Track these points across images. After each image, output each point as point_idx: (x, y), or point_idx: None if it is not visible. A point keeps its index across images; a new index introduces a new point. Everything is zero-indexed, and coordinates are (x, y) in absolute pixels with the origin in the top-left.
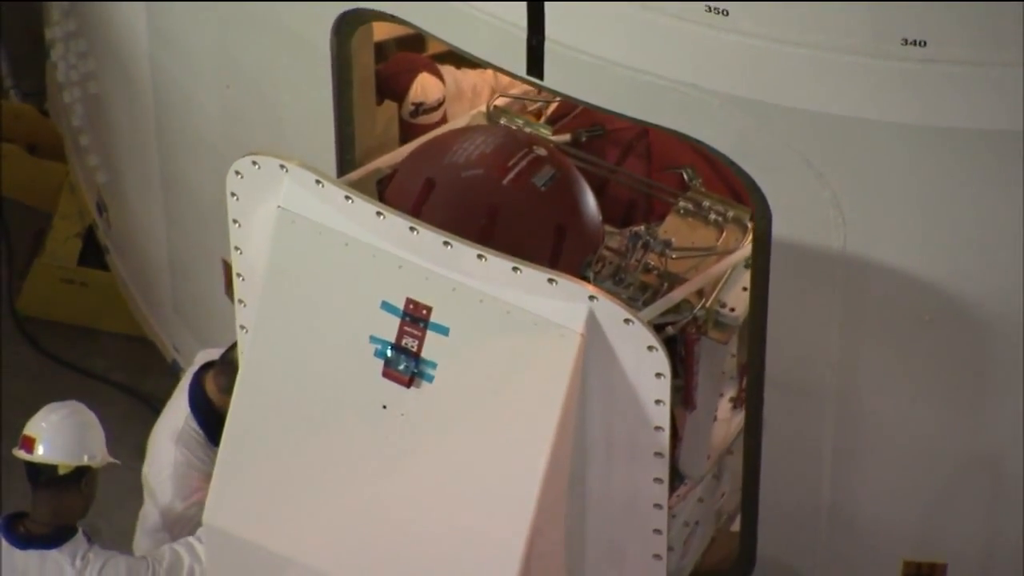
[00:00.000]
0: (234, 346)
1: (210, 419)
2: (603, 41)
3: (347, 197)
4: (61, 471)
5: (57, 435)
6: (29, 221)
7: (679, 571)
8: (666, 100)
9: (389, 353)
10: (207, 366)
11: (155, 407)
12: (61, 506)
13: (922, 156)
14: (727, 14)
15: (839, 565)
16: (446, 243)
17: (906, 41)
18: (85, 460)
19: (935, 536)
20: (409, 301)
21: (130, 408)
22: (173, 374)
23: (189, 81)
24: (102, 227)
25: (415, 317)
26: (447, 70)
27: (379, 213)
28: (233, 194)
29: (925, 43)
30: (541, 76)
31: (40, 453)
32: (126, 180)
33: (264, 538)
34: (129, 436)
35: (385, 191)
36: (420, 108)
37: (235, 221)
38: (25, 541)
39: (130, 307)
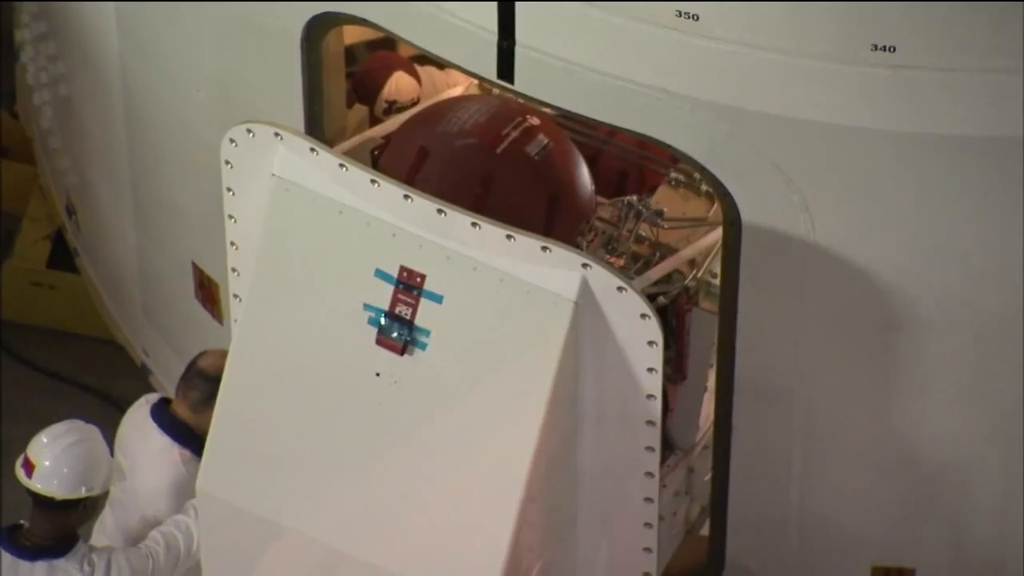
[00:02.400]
0: (199, 356)
1: (193, 439)
2: (573, 45)
3: (341, 165)
4: (59, 499)
5: (56, 469)
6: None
7: (670, 540)
8: (636, 105)
9: (383, 321)
10: (161, 401)
11: (123, 409)
12: (61, 525)
13: (891, 161)
14: (697, 19)
15: (808, 570)
16: (440, 211)
17: (875, 47)
18: (83, 493)
19: (903, 541)
20: (403, 269)
21: (100, 411)
22: (142, 377)
23: (159, 85)
24: (71, 230)
25: (409, 285)
26: (427, 71)
27: (373, 181)
28: (227, 162)
29: (894, 48)
30: (512, 80)
31: (39, 487)
32: (96, 183)
33: (257, 505)
34: None
35: (379, 160)
36: (393, 106)
37: (229, 189)
38: (33, 554)
39: (100, 310)
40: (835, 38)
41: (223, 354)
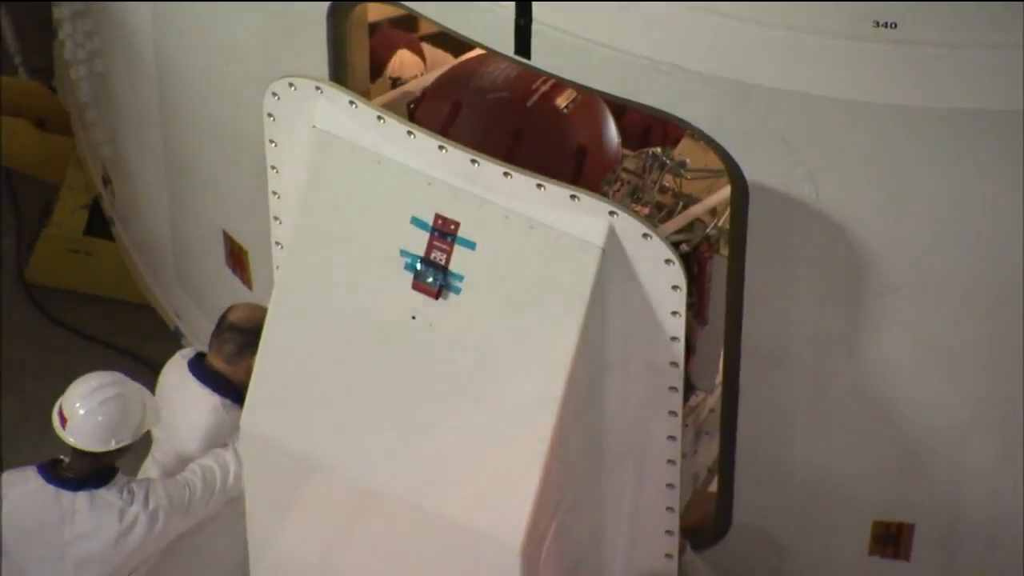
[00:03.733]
0: (229, 310)
1: (231, 388)
2: (587, 22)
3: (379, 117)
4: (88, 451)
5: (87, 423)
6: (37, 193)
7: (692, 478)
8: (648, 80)
9: (418, 266)
10: (197, 356)
11: (156, 370)
12: (97, 464)
13: (893, 134)
14: None
15: (812, 526)
16: (473, 161)
17: (878, 23)
18: (112, 445)
19: (902, 498)
20: (438, 217)
21: (133, 372)
22: (175, 340)
23: (191, 59)
24: (107, 199)
25: (443, 232)
26: (435, 51)
27: (410, 132)
28: (270, 115)
29: (895, 25)
30: (528, 56)
31: (71, 440)
32: (130, 154)
33: (298, 443)
34: None
35: (415, 113)
36: (396, 83)
37: (271, 141)
38: (76, 484)
39: (134, 276)
40: (839, 15)
41: (252, 307)
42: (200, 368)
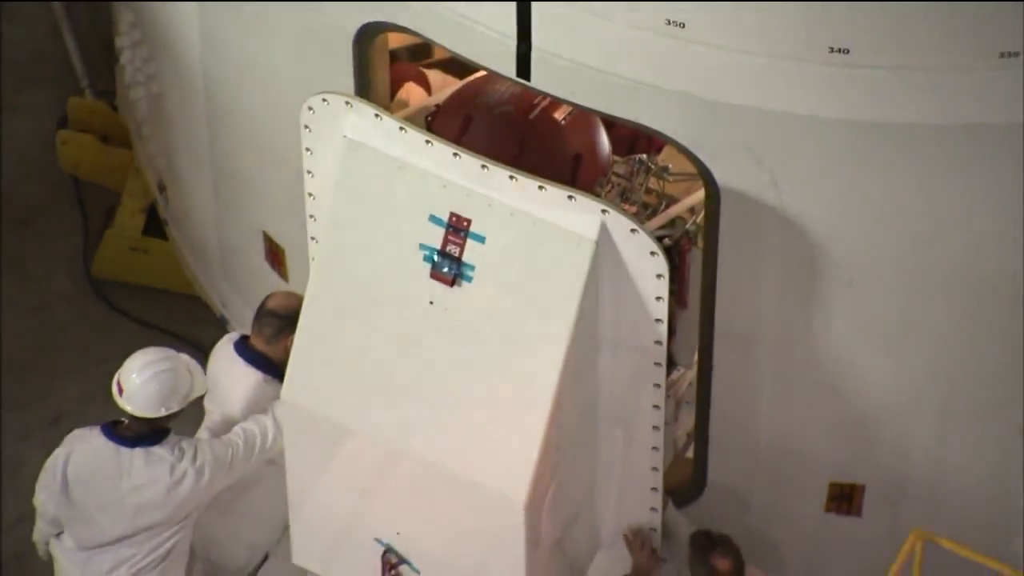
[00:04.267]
0: (268, 298)
1: (271, 365)
2: (580, 48)
3: (401, 128)
4: (140, 416)
5: (140, 393)
6: (102, 199)
7: (673, 442)
8: (632, 98)
9: (435, 258)
10: (242, 338)
11: (205, 352)
12: (151, 427)
13: (846, 145)
14: (684, 26)
15: (776, 487)
16: (483, 166)
17: (832, 49)
18: (162, 412)
19: (855, 462)
20: (452, 215)
21: (185, 353)
22: (221, 326)
23: (235, 81)
24: (162, 204)
25: (457, 228)
26: (437, 77)
27: (428, 141)
28: (306, 126)
29: (848, 51)
30: (528, 78)
31: (128, 408)
32: (182, 164)
33: (332, 411)
34: None
35: (432, 124)
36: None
37: (307, 149)
38: (133, 442)
39: (185, 270)
40: (798, 42)
41: (287, 295)
42: (244, 349)
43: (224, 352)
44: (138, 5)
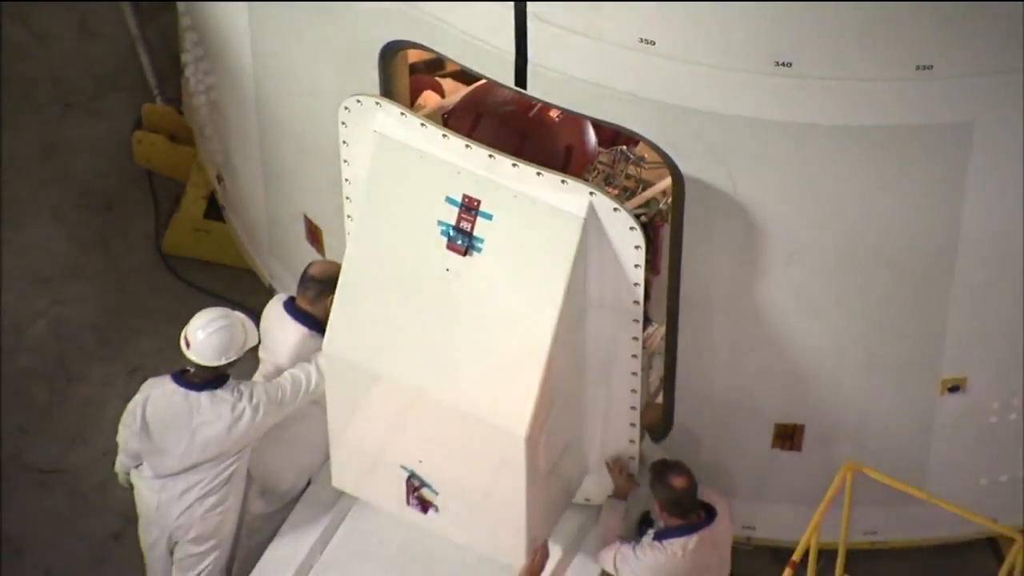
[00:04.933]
0: (309, 266)
1: (314, 322)
2: (568, 62)
3: (422, 124)
4: (203, 364)
5: (203, 346)
6: (171, 188)
7: (648, 385)
8: (613, 105)
9: (451, 232)
10: (290, 298)
11: (256, 315)
12: (214, 373)
13: (790, 142)
14: (654, 43)
15: (731, 427)
16: (490, 156)
17: (777, 63)
18: (222, 361)
19: (796, 407)
20: (465, 196)
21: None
22: (269, 294)
23: (282, 89)
24: (220, 192)
25: (469, 207)
26: (450, 85)
27: (444, 135)
28: (343, 123)
29: (791, 64)
30: (525, 87)
31: (193, 358)
32: (236, 159)
33: (366, 360)
34: None
35: (448, 121)
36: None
37: (344, 142)
38: (199, 386)
39: (240, 248)
40: (749, 57)
41: (326, 263)
42: (291, 307)
43: (275, 309)
44: (201, 26)
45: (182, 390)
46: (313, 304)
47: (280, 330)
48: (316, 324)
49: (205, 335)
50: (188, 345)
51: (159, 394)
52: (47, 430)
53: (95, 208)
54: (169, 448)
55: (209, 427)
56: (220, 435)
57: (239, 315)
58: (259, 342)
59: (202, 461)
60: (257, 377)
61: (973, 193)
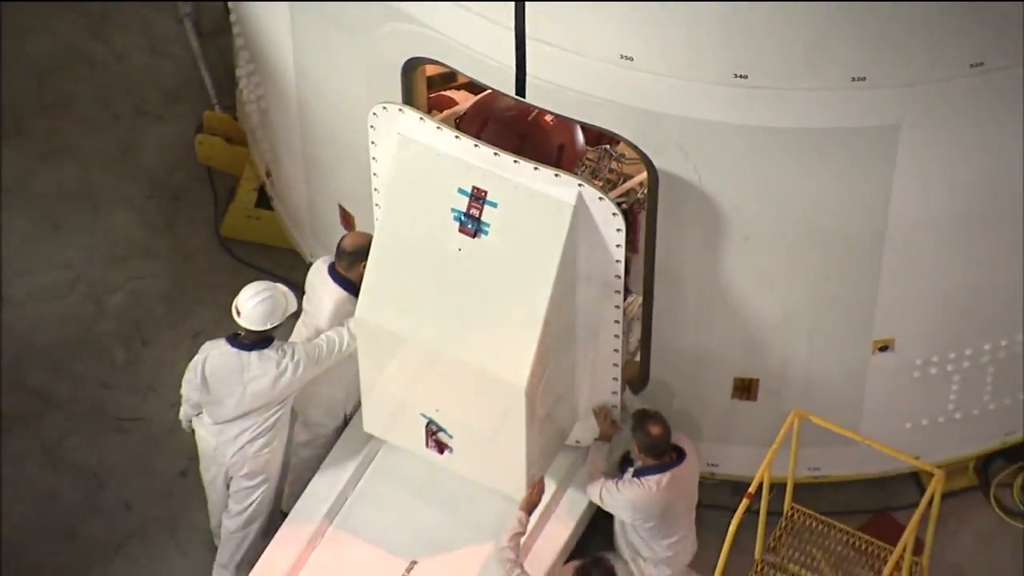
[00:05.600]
0: (342, 238)
1: (349, 284)
2: (560, 75)
3: (438, 127)
4: (250, 329)
5: (251, 313)
6: (227, 182)
7: (628, 345)
8: (598, 110)
9: (462, 218)
10: (331, 267)
11: (299, 288)
12: (261, 336)
13: (747, 142)
14: (633, 59)
15: (697, 381)
16: (495, 153)
17: (735, 75)
18: (267, 326)
19: (751, 363)
20: (474, 187)
21: (290, 287)
22: (309, 269)
23: (319, 100)
24: (268, 184)
25: (477, 197)
26: (464, 96)
27: (456, 136)
28: (372, 126)
29: (747, 76)
30: (524, 96)
31: (244, 324)
32: (281, 157)
33: (392, 324)
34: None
35: (460, 124)
36: None
37: (373, 142)
38: (249, 347)
39: (285, 232)
40: (712, 70)
41: (357, 235)
42: (332, 271)
43: (319, 270)
44: (252, 46)
45: (235, 350)
46: (348, 271)
47: (322, 287)
48: (351, 287)
49: (252, 304)
50: (239, 313)
51: (216, 354)
52: (124, 385)
53: (164, 199)
54: (224, 399)
55: (257, 381)
56: (267, 388)
57: (281, 287)
58: (298, 309)
59: (252, 410)
60: (297, 327)
61: (899, 185)
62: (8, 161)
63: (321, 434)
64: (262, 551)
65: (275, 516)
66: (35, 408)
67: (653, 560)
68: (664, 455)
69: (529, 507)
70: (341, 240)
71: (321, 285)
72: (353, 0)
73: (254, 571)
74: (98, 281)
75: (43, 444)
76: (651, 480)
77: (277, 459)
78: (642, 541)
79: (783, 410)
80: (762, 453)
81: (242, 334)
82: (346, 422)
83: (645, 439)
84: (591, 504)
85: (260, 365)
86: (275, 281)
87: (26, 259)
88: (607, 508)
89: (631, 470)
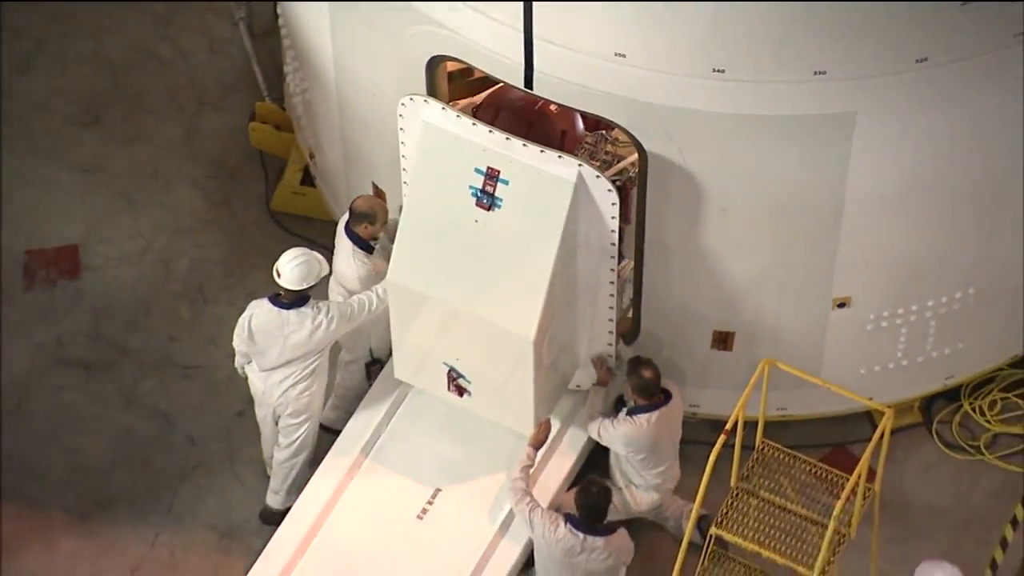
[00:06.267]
0: (353, 201)
1: (357, 239)
2: (563, 70)
3: (457, 115)
4: (289, 289)
5: (290, 276)
6: (277, 163)
7: (622, 303)
8: (597, 101)
9: (479, 194)
10: (346, 227)
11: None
12: (298, 295)
13: (724, 127)
14: (625, 56)
15: (681, 333)
16: (507, 138)
17: (714, 69)
18: (304, 286)
19: (728, 315)
20: (488, 167)
21: (326, 254)
22: None
23: (355, 92)
24: (312, 166)
25: (491, 175)
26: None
27: (473, 123)
28: (400, 115)
29: (724, 71)
30: (532, 89)
31: (284, 284)
32: (323, 142)
33: (419, 285)
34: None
35: (476, 113)
36: None
37: (401, 129)
38: (288, 306)
39: (326, 206)
40: (694, 65)
41: (367, 198)
42: (347, 228)
43: (340, 225)
44: (297, 46)
45: (276, 309)
46: (355, 227)
47: (339, 240)
48: (359, 241)
49: (291, 267)
50: (279, 275)
51: (260, 312)
52: (189, 338)
53: (222, 178)
54: (268, 350)
55: (296, 334)
56: (304, 339)
57: (315, 253)
58: (330, 272)
59: (292, 359)
60: (331, 283)
61: (855, 164)
62: (89, 146)
63: (359, 356)
64: (308, 479)
65: (319, 448)
66: (114, 358)
67: (644, 487)
68: (654, 396)
69: (537, 444)
70: (352, 203)
71: (338, 238)
72: (385, 0)
73: (302, 496)
74: (166, 249)
75: (120, 388)
76: (642, 418)
77: (318, 400)
78: (634, 471)
79: (755, 358)
80: (737, 395)
81: (283, 294)
82: (375, 360)
83: (639, 381)
84: (590, 440)
85: (298, 320)
86: (316, 249)
87: (105, 230)
88: (604, 443)
89: (625, 410)
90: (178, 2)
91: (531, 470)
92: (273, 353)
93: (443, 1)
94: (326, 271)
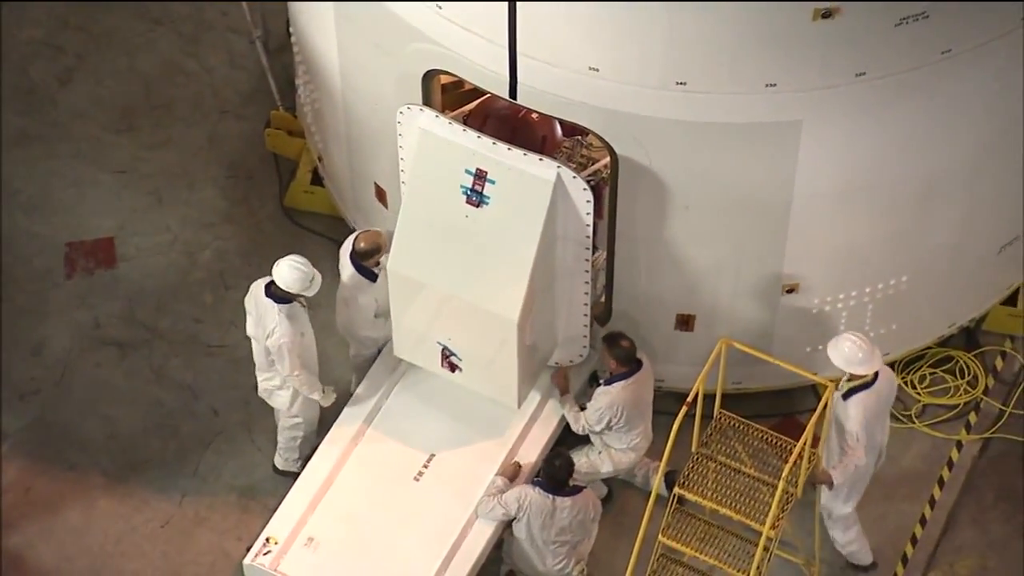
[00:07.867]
0: (355, 239)
1: (362, 268)
2: (544, 81)
3: (450, 122)
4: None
5: (280, 271)
6: (289, 165)
7: (596, 289)
8: (574, 110)
9: (469, 192)
10: (353, 253)
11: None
12: (287, 296)
13: (684, 133)
14: (599, 70)
15: (648, 316)
16: (494, 142)
17: (677, 82)
18: (285, 287)
19: (690, 299)
20: (477, 168)
21: (334, 249)
22: (352, 232)
23: (359, 102)
24: (321, 167)
25: (480, 176)
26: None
27: (464, 129)
28: (399, 122)
29: (686, 83)
30: (516, 99)
31: (273, 275)
32: (330, 146)
33: (416, 273)
34: (333, 263)
35: (467, 121)
36: None
37: (400, 135)
38: (270, 294)
39: (333, 203)
40: (659, 79)
41: (367, 235)
42: (352, 256)
43: (345, 251)
44: (308, 61)
45: (262, 289)
46: (366, 264)
47: (344, 265)
48: (362, 270)
49: (286, 267)
50: (275, 265)
51: (256, 286)
52: (212, 320)
53: (241, 178)
54: (249, 315)
55: (265, 319)
56: (265, 332)
57: (316, 272)
58: (316, 292)
59: (258, 340)
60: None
61: (801, 166)
62: (124, 150)
63: (363, 353)
64: (317, 446)
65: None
66: (145, 338)
67: (622, 450)
68: (630, 364)
69: (510, 476)
70: (355, 240)
71: (344, 263)
72: None
73: (311, 461)
74: (191, 241)
75: (151, 365)
76: (618, 385)
77: (298, 398)
78: (615, 437)
79: (714, 338)
80: (698, 371)
81: (275, 286)
82: (379, 351)
83: (620, 351)
84: (563, 417)
85: (270, 311)
86: (322, 240)
87: (137, 224)
88: (594, 425)
89: (600, 382)
90: (203, 23)
91: (502, 495)
92: (251, 320)
93: (431, 1)
94: (314, 291)
